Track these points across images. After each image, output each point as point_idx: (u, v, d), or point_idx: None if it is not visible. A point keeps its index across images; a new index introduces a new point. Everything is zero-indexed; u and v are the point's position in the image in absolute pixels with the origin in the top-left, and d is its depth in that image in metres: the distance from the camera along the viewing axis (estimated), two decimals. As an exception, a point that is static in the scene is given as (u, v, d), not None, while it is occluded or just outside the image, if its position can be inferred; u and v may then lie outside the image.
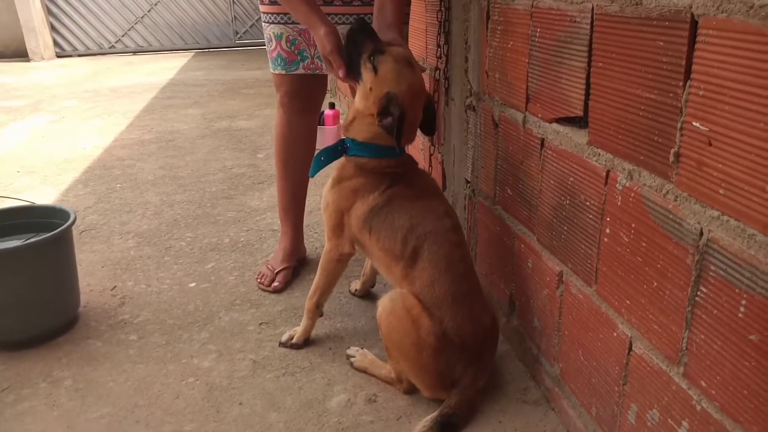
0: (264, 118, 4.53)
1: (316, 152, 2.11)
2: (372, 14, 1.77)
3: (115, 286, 2.11)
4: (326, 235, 1.63)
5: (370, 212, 1.51)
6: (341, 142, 1.57)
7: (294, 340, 1.73)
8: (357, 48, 1.49)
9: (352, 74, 1.51)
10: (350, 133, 1.55)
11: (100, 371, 1.65)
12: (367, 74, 1.47)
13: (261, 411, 1.49)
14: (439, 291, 1.41)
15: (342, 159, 1.59)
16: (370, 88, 1.46)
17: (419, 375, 1.44)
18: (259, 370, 1.64)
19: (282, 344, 1.74)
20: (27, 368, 1.67)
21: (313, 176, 1.65)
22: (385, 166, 1.53)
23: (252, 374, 1.62)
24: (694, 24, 0.85)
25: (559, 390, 1.42)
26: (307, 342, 1.74)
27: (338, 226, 1.58)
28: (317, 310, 1.72)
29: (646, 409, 1.07)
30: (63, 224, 1.78)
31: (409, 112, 1.45)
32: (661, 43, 0.92)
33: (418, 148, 2.44)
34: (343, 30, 1.76)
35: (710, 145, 0.85)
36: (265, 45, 1.94)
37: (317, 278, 1.68)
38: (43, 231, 1.82)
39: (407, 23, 1.94)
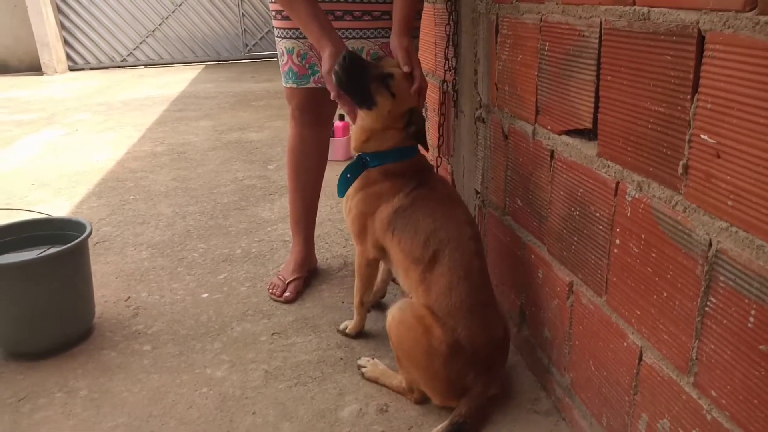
0: (274, 129, 4.58)
1: (329, 162, 2.16)
2: (380, 28, 1.82)
3: (129, 297, 2.13)
4: (353, 241, 1.70)
5: (394, 213, 1.55)
6: (359, 157, 1.63)
7: (348, 331, 1.85)
8: (361, 78, 1.52)
9: (364, 102, 1.54)
10: (369, 149, 1.60)
11: (114, 381, 1.67)
12: (383, 99, 1.52)
13: (274, 421, 1.50)
14: (455, 299, 1.43)
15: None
16: (389, 111, 1.53)
17: (430, 383, 1.45)
18: (271, 381, 1.65)
19: (339, 331, 1.87)
20: (43, 378, 1.69)
21: (342, 196, 1.69)
22: (408, 166, 1.59)
23: (264, 384, 1.64)
24: (701, 39, 0.87)
25: (570, 400, 1.42)
26: (360, 335, 1.85)
27: (362, 232, 1.64)
28: (362, 308, 1.81)
29: (657, 418, 1.08)
30: (79, 236, 1.81)
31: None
32: (669, 58, 0.94)
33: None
34: (353, 43, 1.80)
35: (718, 157, 0.86)
36: (274, 57, 1.98)
37: (355, 280, 1.77)
38: (59, 243, 1.85)
39: (417, 37, 1.97)
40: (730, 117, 0.83)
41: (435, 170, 1.66)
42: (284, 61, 1.91)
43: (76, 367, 1.74)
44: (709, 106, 0.87)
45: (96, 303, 1.99)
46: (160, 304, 2.08)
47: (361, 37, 1.85)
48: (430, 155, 2.44)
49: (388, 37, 1.86)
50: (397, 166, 1.59)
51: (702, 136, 0.89)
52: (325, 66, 1.58)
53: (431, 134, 2.39)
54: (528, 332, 1.64)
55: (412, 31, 1.69)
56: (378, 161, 1.60)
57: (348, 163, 1.66)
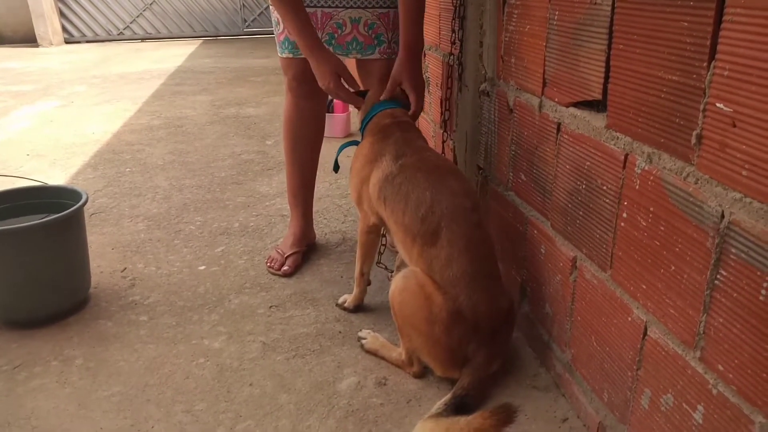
0: (272, 105, 4.53)
1: (328, 138, 2.13)
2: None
3: (126, 268, 2.11)
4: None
5: (384, 180, 1.56)
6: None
7: (346, 305, 1.83)
8: None
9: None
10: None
11: (110, 351, 1.66)
12: None
13: (271, 392, 1.49)
14: (456, 270, 1.41)
15: None
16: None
17: (431, 351, 1.44)
18: (269, 352, 1.64)
19: (338, 305, 1.86)
20: (38, 347, 1.68)
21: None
22: (381, 117, 1.70)
23: (262, 356, 1.63)
24: (720, 2, 0.84)
25: (570, 376, 1.41)
26: (358, 309, 1.83)
27: (360, 198, 1.67)
28: (362, 278, 1.80)
29: (660, 393, 1.07)
30: (75, 205, 1.78)
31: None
32: (686, 24, 0.91)
33: (429, 135, 2.43)
34: (350, 13, 1.86)
35: (734, 126, 0.84)
36: (273, 33, 1.96)
37: (357, 248, 1.77)
38: (54, 211, 1.82)
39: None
40: (749, 84, 0.81)
41: (415, 125, 1.76)
42: (280, 30, 1.88)
43: (71, 336, 1.73)
44: (726, 73, 0.85)
45: (92, 273, 1.97)
46: (156, 275, 2.06)
47: (359, 6, 1.82)
48: (433, 131, 2.41)
49: (386, 7, 1.84)
50: (373, 121, 1.70)
51: (718, 105, 0.87)
52: (328, 81, 1.72)
53: (434, 110, 2.35)
54: (528, 308, 1.62)
55: (420, 56, 1.76)
56: (362, 126, 1.75)
57: (347, 141, 1.83)
